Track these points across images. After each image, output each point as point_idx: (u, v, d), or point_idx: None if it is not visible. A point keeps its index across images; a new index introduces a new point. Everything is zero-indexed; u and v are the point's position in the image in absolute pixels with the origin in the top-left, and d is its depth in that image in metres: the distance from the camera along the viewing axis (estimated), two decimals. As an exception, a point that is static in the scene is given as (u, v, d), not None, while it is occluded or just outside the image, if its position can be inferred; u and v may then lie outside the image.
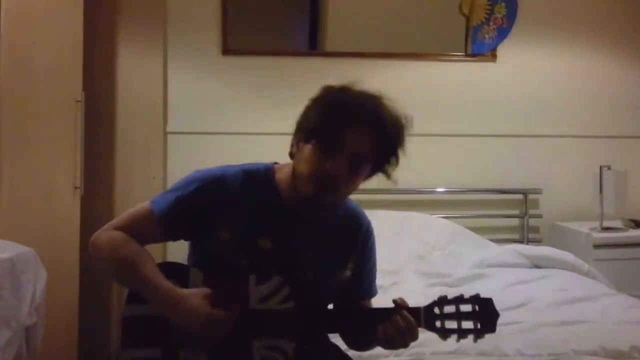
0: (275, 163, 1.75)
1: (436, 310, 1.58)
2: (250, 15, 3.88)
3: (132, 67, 3.42)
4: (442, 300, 1.58)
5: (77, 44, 2.99)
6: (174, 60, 3.69)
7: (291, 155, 1.66)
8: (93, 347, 3.20)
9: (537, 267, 3.30)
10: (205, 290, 1.55)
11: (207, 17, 3.79)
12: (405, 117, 1.63)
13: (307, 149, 1.59)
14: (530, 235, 3.97)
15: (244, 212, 1.64)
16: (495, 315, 1.58)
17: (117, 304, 3.31)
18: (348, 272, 1.75)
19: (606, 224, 3.74)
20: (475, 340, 1.58)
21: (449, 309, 1.58)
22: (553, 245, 3.59)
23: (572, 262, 3.28)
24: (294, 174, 1.63)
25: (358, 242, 1.77)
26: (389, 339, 1.58)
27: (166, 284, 1.56)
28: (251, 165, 1.72)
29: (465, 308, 1.58)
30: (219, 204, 1.64)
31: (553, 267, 3.26)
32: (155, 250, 1.70)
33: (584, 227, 3.76)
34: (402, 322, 1.56)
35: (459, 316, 1.57)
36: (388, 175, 1.67)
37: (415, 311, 1.58)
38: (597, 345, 2.17)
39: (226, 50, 3.77)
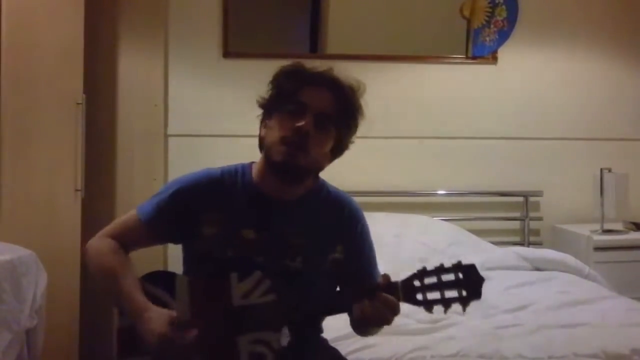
0: (253, 162, 1.78)
1: (416, 283, 1.53)
2: (251, 18, 3.88)
3: (133, 70, 3.43)
4: (422, 272, 1.54)
5: (78, 47, 3.00)
6: (175, 62, 3.70)
7: (260, 140, 1.71)
8: (94, 350, 3.20)
9: (537, 269, 3.30)
10: (171, 312, 1.57)
11: (208, 20, 3.78)
12: (358, 82, 1.71)
13: (275, 119, 1.66)
14: (531, 238, 3.97)
15: (225, 207, 1.69)
16: (480, 280, 1.52)
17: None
18: (337, 255, 1.73)
19: (607, 226, 3.73)
20: (463, 309, 1.52)
21: (430, 280, 1.53)
22: (554, 248, 3.60)
23: (572, 265, 3.28)
24: (266, 152, 1.67)
25: (343, 223, 1.77)
26: (366, 316, 1.55)
27: (138, 297, 1.61)
28: (229, 165, 1.78)
29: (448, 277, 1.52)
30: (200, 203, 1.69)
31: (554, 270, 3.26)
32: (155, 259, 1.71)
33: (584, 230, 3.76)
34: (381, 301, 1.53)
35: (441, 286, 1.52)
36: (346, 144, 1.71)
37: (392, 286, 1.54)
38: (597, 348, 2.16)
39: (227, 53, 3.77)
